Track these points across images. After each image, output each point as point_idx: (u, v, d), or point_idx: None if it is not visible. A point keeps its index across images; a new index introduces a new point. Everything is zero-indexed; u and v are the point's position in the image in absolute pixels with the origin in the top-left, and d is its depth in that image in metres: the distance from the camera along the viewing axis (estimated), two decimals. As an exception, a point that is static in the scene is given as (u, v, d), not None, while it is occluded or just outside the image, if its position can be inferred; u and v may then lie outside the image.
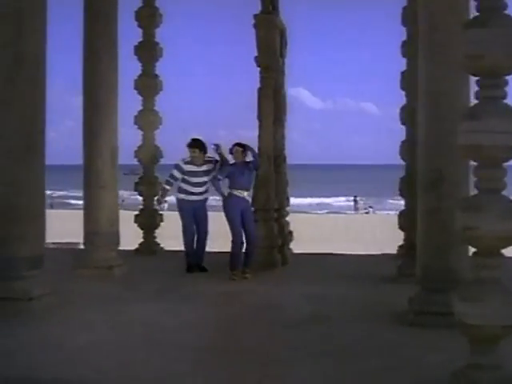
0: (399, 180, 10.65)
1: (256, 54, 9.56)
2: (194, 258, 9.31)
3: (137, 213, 11.19)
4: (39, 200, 7.23)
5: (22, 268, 7.03)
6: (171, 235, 11.39)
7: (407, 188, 10.49)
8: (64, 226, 16.78)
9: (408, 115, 10.32)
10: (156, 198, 9.43)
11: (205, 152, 9.12)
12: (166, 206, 9.35)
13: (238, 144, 9.01)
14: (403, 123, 10.50)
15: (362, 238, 20.29)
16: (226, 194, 8.87)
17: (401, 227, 10.73)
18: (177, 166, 9.16)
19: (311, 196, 54.68)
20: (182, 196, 9.22)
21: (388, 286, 8.26)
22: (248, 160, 8.98)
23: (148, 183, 11.02)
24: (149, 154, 10.96)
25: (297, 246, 10.60)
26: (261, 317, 6.91)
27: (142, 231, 11.13)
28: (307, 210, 42.67)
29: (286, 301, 7.56)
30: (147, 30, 10.85)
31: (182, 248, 11.59)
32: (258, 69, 9.69)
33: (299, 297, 7.69)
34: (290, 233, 9.86)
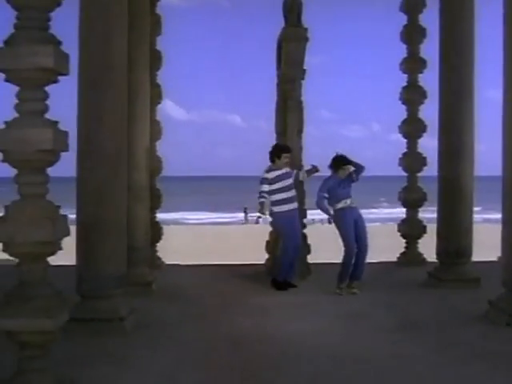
0: (401, 190, 11.16)
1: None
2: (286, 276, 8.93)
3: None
4: (123, 216, 6.92)
5: (108, 287, 6.72)
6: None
7: (408, 198, 11.07)
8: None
9: (411, 128, 10.91)
10: (257, 217, 8.92)
11: None
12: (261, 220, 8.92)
13: (346, 159, 8.78)
14: (405, 136, 11.03)
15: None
16: (332, 211, 8.65)
17: (403, 235, 11.24)
18: (262, 181, 8.79)
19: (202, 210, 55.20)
20: (278, 208, 8.85)
21: (435, 291, 8.58)
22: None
23: (152, 196, 10.69)
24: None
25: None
26: (361, 324, 7.00)
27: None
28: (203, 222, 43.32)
29: (364, 309, 7.67)
30: (151, 38, 10.54)
31: (179, 262, 11.45)
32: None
33: (371, 304, 7.84)
34: (308, 244, 9.98)
